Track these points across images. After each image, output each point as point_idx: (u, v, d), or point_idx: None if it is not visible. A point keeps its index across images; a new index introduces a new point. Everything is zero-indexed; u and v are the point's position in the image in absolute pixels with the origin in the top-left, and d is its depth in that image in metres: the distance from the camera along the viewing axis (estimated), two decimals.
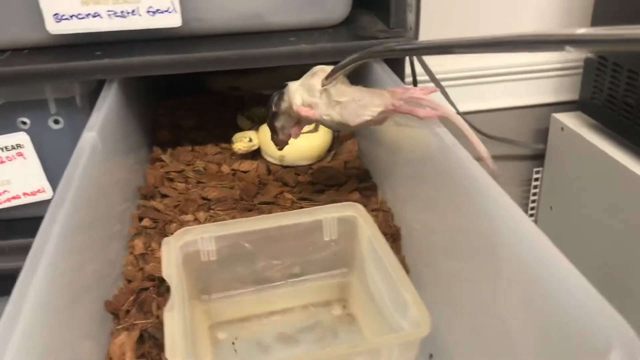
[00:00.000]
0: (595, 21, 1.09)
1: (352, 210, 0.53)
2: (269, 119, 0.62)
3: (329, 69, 0.55)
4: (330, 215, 0.53)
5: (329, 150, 0.80)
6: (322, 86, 0.55)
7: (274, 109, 0.60)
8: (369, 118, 0.54)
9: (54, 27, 0.67)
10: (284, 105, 0.59)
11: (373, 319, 0.50)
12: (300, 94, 0.57)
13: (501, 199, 0.41)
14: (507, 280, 0.40)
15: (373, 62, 0.69)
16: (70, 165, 0.50)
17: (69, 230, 0.44)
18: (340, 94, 0.55)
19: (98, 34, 0.68)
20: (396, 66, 0.70)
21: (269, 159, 0.79)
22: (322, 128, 0.76)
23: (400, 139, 0.63)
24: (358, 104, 0.54)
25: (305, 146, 0.77)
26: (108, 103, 0.63)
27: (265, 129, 0.76)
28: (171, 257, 0.48)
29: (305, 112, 0.57)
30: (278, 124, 0.62)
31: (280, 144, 0.64)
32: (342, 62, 0.52)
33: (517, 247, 0.38)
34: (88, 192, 0.50)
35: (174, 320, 0.41)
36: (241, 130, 0.82)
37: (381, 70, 0.67)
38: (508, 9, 1.24)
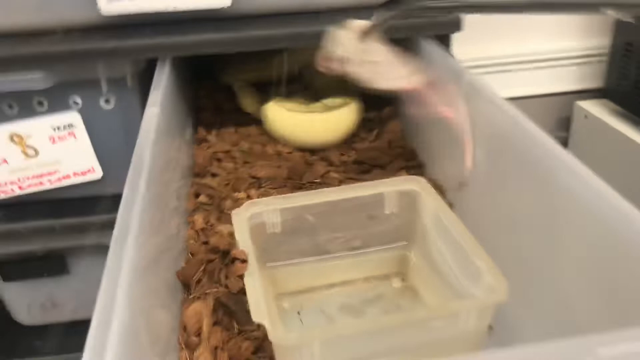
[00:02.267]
0: None
1: (414, 184, 0.54)
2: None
3: (366, 24, 0.55)
4: (392, 188, 0.54)
5: (373, 129, 0.81)
6: (359, 41, 0.55)
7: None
8: (387, 87, 0.55)
9: (106, 8, 0.67)
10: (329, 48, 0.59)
11: (437, 290, 0.51)
12: (340, 46, 0.56)
13: (563, 161, 0.42)
14: (568, 249, 0.41)
15: (422, 39, 0.70)
16: (140, 140, 0.51)
17: (146, 206, 0.44)
18: (375, 51, 0.55)
19: (149, 15, 0.68)
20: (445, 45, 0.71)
21: (273, 135, 0.78)
22: (332, 114, 0.76)
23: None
24: (387, 67, 0.55)
25: (313, 127, 0.76)
26: (164, 81, 0.63)
27: (274, 107, 0.76)
28: (242, 227, 0.49)
29: (339, 66, 0.56)
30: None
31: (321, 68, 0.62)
32: (379, 19, 0.53)
33: (584, 205, 0.39)
34: (157, 169, 0.51)
35: (255, 285, 0.42)
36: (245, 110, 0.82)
37: (432, 48, 0.67)
38: None
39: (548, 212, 0.44)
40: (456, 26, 0.72)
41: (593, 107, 1.21)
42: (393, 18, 0.52)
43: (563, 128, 1.37)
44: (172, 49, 0.68)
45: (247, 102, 0.86)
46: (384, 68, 0.54)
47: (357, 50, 0.55)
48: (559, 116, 1.38)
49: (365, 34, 0.54)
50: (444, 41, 0.73)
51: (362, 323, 0.45)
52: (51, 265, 0.80)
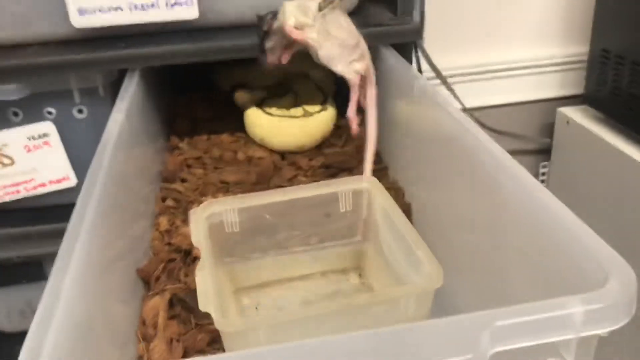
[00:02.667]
0: (597, 22, 1.12)
1: (367, 183, 0.56)
2: (260, 38, 0.61)
3: None
4: (345, 187, 0.56)
5: (342, 135, 0.83)
6: (319, 9, 0.56)
7: (265, 27, 0.60)
8: (340, 71, 0.57)
9: (78, 21, 0.70)
10: (276, 24, 0.60)
11: (389, 282, 0.53)
12: (295, 14, 0.58)
13: (506, 164, 0.44)
14: (512, 239, 0.43)
15: (383, 48, 0.72)
16: (101, 146, 0.53)
17: (102, 208, 0.46)
18: (334, 22, 0.57)
19: (120, 27, 0.71)
20: (404, 53, 0.73)
21: (253, 137, 0.81)
22: (311, 118, 0.79)
23: (408, 120, 0.66)
24: (341, 49, 0.57)
25: (291, 131, 0.79)
26: (131, 90, 0.66)
27: (254, 111, 0.79)
28: (199, 225, 0.51)
29: (297, 34, 0.57)
30: (268, 44, 0.62)
31: (269, 66, 0.64)
32: None
33: (521, 203, 0.41)
34: (117, 172, 0.53)
35: (205, 278, 0.44)
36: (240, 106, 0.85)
37: (390, 56, 0.70)
38: (510, 8, 1.27)
39: (492, 209, 0.46)
40: (417, 34, 0.75)
41: (575, 114, 1.23)
42: None
43: (546, 134, 1.38)
44: (141, 60, 0.70)
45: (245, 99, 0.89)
46: (340, 50, 0.57)
47: (318, 17, 0.57)
48: (542, 123, 1.40)
49: (326, 1, 0.56)
50: (405, 49, 0.76)
51: (305, 309, 0.47)
52: (29, 271, 0.82)
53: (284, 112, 0.80)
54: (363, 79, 0.60)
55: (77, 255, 0.40)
